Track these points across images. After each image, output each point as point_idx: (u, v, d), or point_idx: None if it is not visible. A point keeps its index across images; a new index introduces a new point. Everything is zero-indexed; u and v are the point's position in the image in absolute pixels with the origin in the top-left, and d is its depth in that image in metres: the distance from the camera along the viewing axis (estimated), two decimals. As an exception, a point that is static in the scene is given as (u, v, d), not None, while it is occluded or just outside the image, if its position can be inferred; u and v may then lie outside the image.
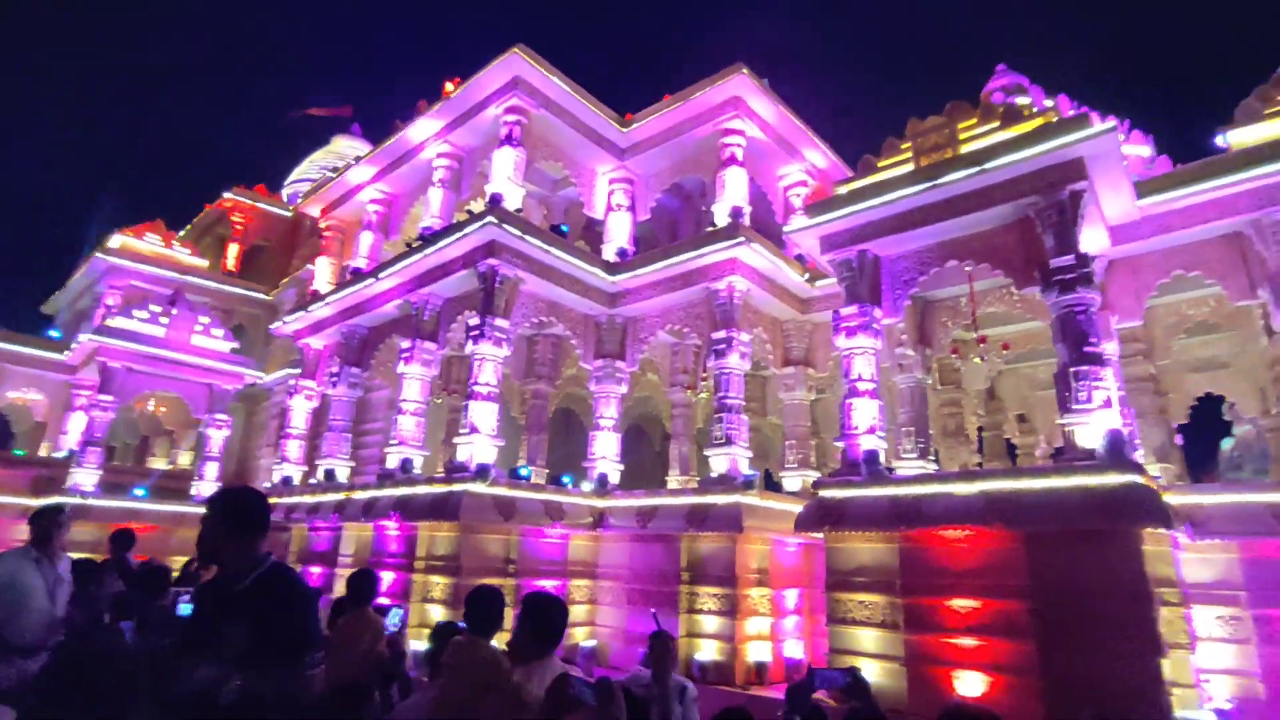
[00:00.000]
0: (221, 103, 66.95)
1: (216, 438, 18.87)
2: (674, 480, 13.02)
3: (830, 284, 11.69)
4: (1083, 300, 7.60)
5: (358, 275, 13.62)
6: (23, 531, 14.78)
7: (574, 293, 11.76)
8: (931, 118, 9.79)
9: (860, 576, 8.35)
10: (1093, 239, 8.67)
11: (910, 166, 9.56)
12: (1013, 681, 6.91)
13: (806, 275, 11.93)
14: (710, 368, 11.03)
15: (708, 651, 9.48)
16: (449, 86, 13.23)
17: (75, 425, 18.79)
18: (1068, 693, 6.52)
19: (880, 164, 10.02)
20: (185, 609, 9.31)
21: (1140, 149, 11.44)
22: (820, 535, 9.02)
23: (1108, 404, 7.23)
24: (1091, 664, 6.51)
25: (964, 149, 9.05)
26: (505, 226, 10.44)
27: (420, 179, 13.96)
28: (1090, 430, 7.17)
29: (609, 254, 12.50)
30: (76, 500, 15.79)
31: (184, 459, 21.33)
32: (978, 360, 10.92)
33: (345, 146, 31.34)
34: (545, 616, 3.08)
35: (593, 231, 14.87)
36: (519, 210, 11.14)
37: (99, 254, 20.14)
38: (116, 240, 20.81)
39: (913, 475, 8.87)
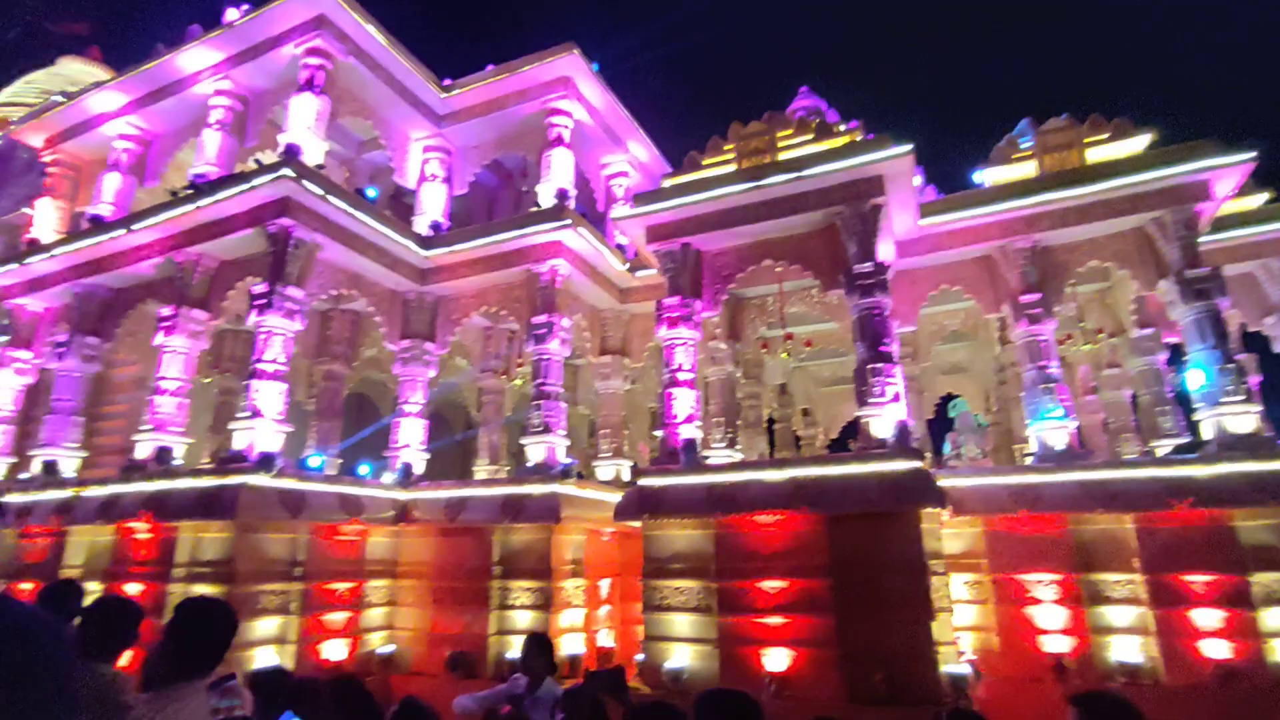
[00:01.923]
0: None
1: None
2: (482, 470, 12.45)
3: (650, 275, 11.87)
4: (879, 304, 8.43)
5: (100, 224, 11.18)
6: None
7: (381, 265, 10.67)
8: (753, 123, 10.29)
9: (677, 563, 8.54)
10: (884, 251, 9.67)
11: (734, 167, 9.98)
12: (814, 654, 7.47)
13: (627, 265, 11.99)
14: (529, 353, 10.64)
15: (519, 648, 9.11)
16: (232, 13, 11.30)
17: None
18: (861, 660, 7.20)
19: (705, 161, 10.33)
20: None
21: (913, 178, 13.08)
22: (638, 524, 9.09)
23: (897, 398, 8.10)
24: (879, 632, 7.24)
25: (782, 155, 9.63)
26: (304, 183, 9.14)
27: (191, 118, 11.80)
28: (883, 421, 7.98)
29: (421, 227, 11.55)
30: None
31: None
32: (785, 355, 11.76)
33: (78, 70, 25.71)
34: (193, 631, 2.40)
35: (401, 203, 13.69)
36: (320, 167, 9.83)
37: None
38: None
39: (728, 463, 9.27)
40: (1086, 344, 11.28)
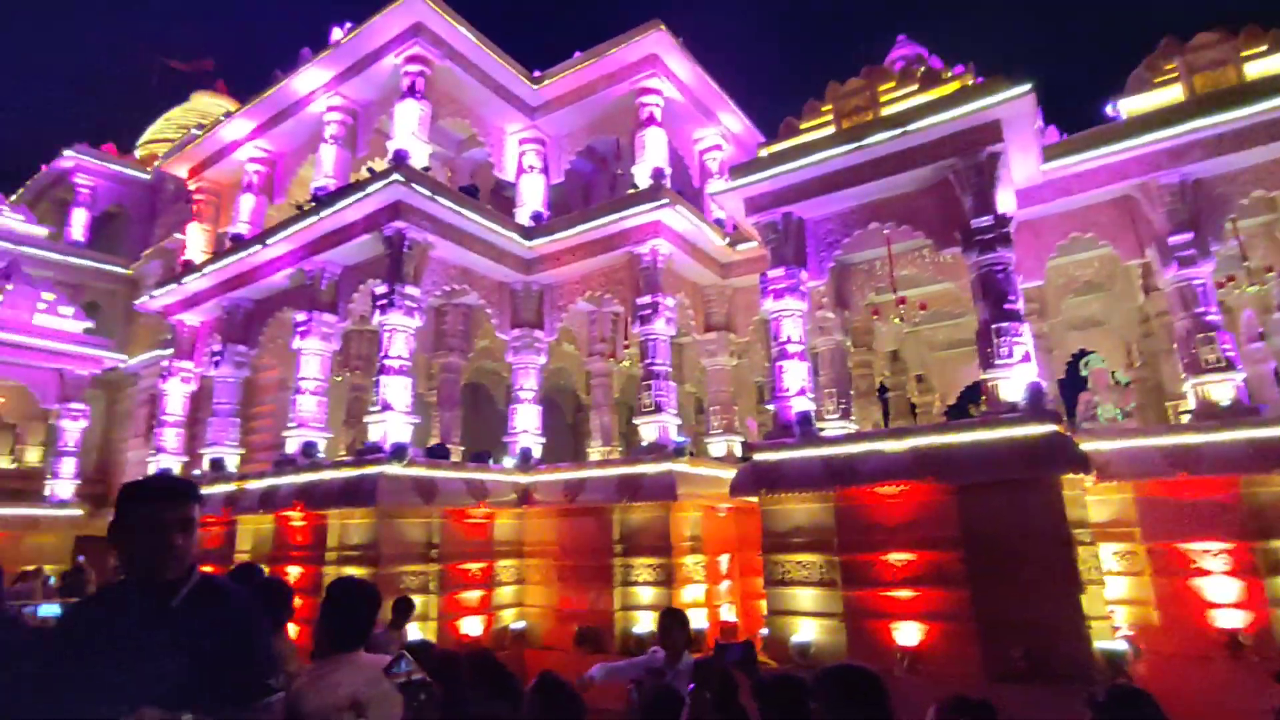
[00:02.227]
0: (52, 54, 58.78)
1: (72, 430, 16.74)
2: (596, 452, 12.72)
3: (751, 248, 11.67)
4: (1001, 259, 7.87)
5: (240, 242, 12.25)
6: None
7: (488, 258, 11.08)
8: (851, 81, 9.82)
9: (797, 537, 8.42)
10: (1003, 202, 9.00)
11: (832, 129, 9.57)
12: (948, 628, 7.18)
13: (727, 239, 11.82)
14: (635, 334, 10.74)
15: (645, 624, 9.33)
16: (337, 33, 11.99)
17: (-114, 422, 16.05)
18: (999, 635, 6.84)
19: (803, 126, 9.97)
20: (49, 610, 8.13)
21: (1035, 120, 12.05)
22: (755, 499, 9.02)
23: (1026, 358, 7.56)
24: (1019, 605, 6.84)
25: (885, 111, 9.13)
26: (413, 186, 9.60)
27: (308, 135, 12.66)
28: (1012, 384, 7.47)
29: (522, 218, 11.86)
30: (-103, 509, 13.55)
31: (32, 455, 18.84)
32: (897, 320, 11.25)
33: (208, 104, 28.30)
34: (341, 609, 2.72)
35: (501, 197, 14.10)
36: (426, 169, 10.29)
37: (-97, 220, 17.13)
38: (-73, 205, 17.75)
39: (845, 435, 9.01)
40: (1251, 285, 10.04)
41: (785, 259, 9.53)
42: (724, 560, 10.45)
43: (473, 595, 9.70)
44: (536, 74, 12.29)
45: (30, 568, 13.16)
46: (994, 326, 7.73)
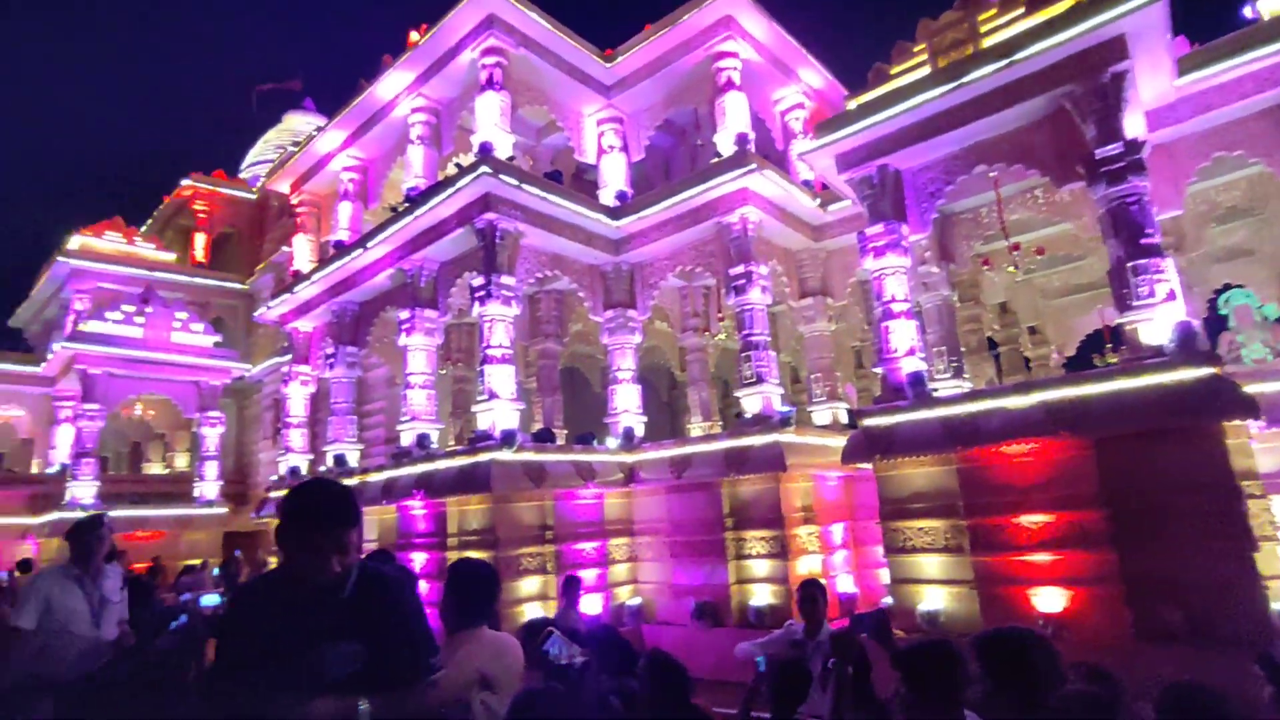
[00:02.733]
0: (162, 92, 63.83)
1: (212, 436, 18.25)
2: (696, 427, 12.63)
3: (844, 207, 11.18)
4: (1135, 189, 7.15)
5: (342, 248, 12.86)
6: (24, 552, 14.14)
7: (577, 242, 11.14)
8: (946, 14, 9.14)
9: (917, 503, 8.06)
10: (1132, 126, 8.17)
11: (927, 69, 8.96)
12: (1093, 592, 6.69)
13: (818, 200, 11.37)
14: (730, 306, 10.54)
15: (761, 596, 9.24)
16: (414, 35, 12.29)
17: (63, 438, 18.04)
18: (1153, 596, 6.30)
19: (893, 71, 9.39)
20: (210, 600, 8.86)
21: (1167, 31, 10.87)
22: (868, 465, 8.71)
23: (1171, 296, 6.86)
24: (1174, 565, 6.28)
25: (987, 43, 8.45)
26: (500, 176, 9.74)
27: (395, 139, 13.09)
28: (1155, 326, 6.81)
29: (607, 199, 11.83)
30: (78, 514, 15.16)
31: (180, 461, 20.70)
32: (1011, 269, 10.50)
33: (299, 123, 29.93)
34: (463, 588, 2.84)
35: (582, 180, 14.14)
36: (511, 159, 10.41)
37: (60, 258, 19.06)
38: (75, 242, 19.68)
39: (963, 394, 8.51)
40: None
41: (884, 214, 9.05)
42: (838, 529, 10.18)
43: (589, 574, 9.87)
44: (608, 52, 12.17)
45: (195, 561, 14.51)
46: (1130, 265, 7.05)
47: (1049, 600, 6.90)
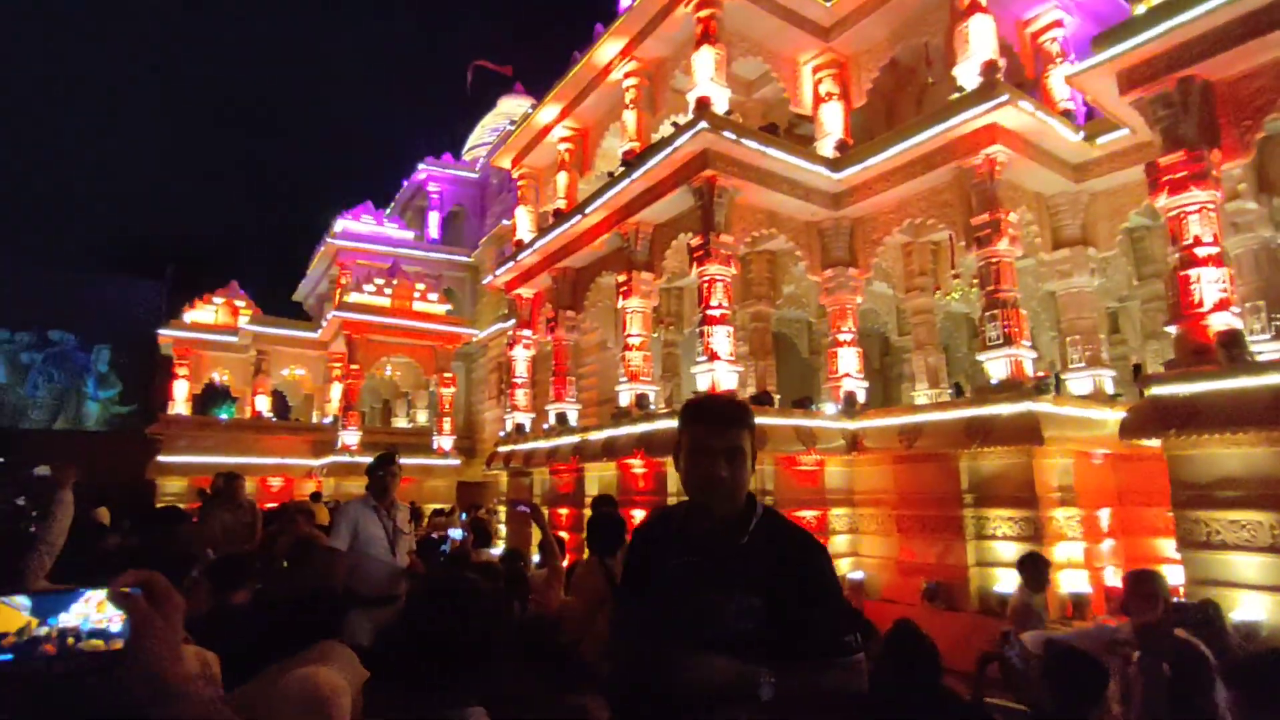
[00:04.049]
0: (397, 88, 72.01)
1: (447, 394, 20.32)
2: (921, 395, 11.61)
3: (1118, 139, 9.46)
4: None
5: (560, 216, 13.42)
6: (311, 487, 16.73)
7: (795, 197, 10.57)
8: (1283, -123, 7.20)
9: (1228, 489, 6.65)
10: None
11: (1254, -50, 7.14)
12: None
13: (1081, 134, 9.73)
14: (971, 259, 9.43)
15: (1008, 582, 8.26)
16: (624, 0, 12.31)
17: (334, 394, 21.14)
18: None
19: (1201, -41, 7.62)
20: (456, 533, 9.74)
21: None
22: (1154, 443, 7.35)
23: None
24: None
25: (1349, -97, 6.53)
26: (720, 132, 9.45)
27: (608, 106, 13.32)
28: None
29: (825, 150, 11.09)
30: (347, 458, 17.73)
31: (421, 417, 23.38)
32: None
33: (512, 106, 31.87)
34: (597, 533, 3.73)
35: (794, 135, 13.43)
36: (729, 113, 10.08)
37: (329, 239, 22.16)
38: (339, 224, 22.77)
39: (1304, 356, 6.84)
40: None
41: (1184, 139, 7.45)
42: (1104, 515, 8.81)
43: (808, 543, 9.52)
44: (824, -9, 11.29)
45: (445, 506, 16.40)
46: None
47: None
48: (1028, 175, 9.81)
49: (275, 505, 7.99)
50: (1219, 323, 7.00)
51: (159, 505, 15.26)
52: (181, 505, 12.99)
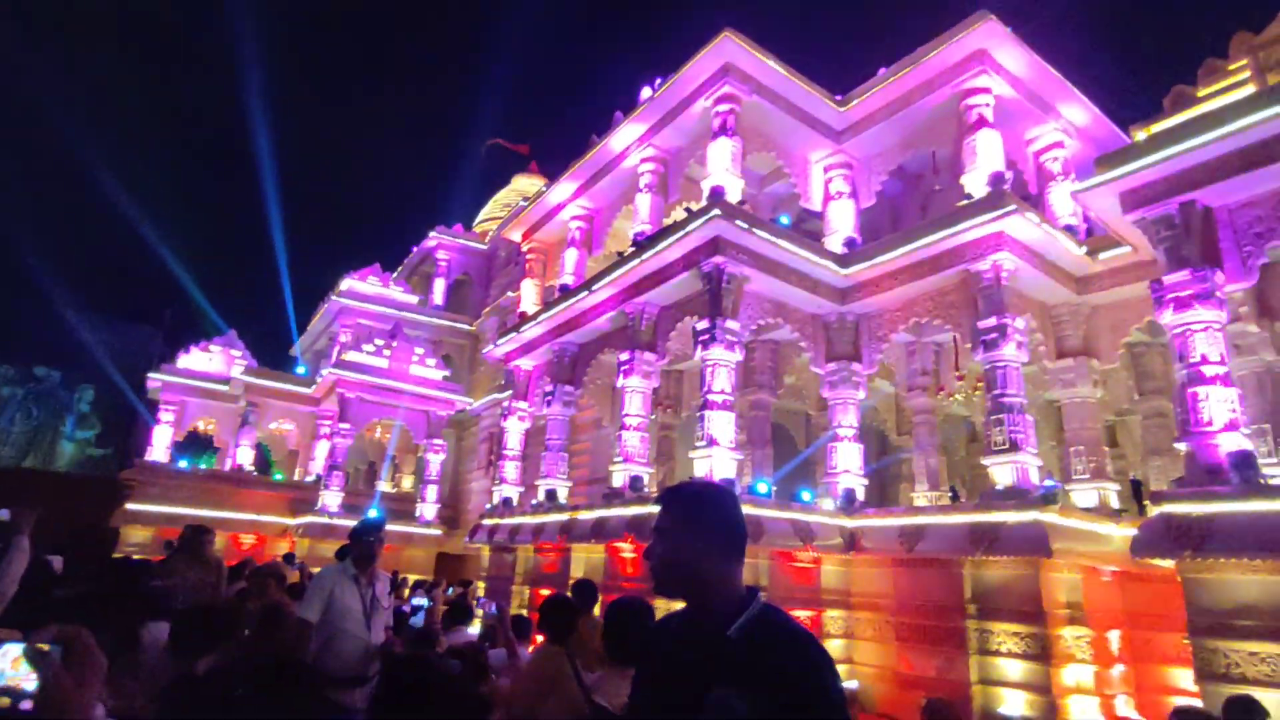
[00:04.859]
0: (412, 154, 74.65)
1: (435, 461, 19.87)
2: (921, 497, 11.39)
3: (1118, 255, 9.67)
4: None
5: (567, 291, 13.51)
6: (284, 548, 16.01)
7: (802, 289, 10.68)
8: (1275, 25, 7.68)
9: (1247, 619, 6.36)
10: None
11: (1251, 88, 7.57)
12: None
13: (1084, 248, 9.95)
14: (977, 362, 9.42)
15: (1014, 704, 7.80)
16: (646, 90, 12.85)
17: (320, 452, 20.66)
18: None
19: (1201, 93, 8.07)
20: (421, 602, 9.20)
21: None
22: (1168, 563, 7.10)
23: None
24: None
25: (1343, 52, 6.91)
26: (732, 220, 9.63)
27: (622, 189, 13.68)
28: None
29: (833, 245, 11.30)
30: (325, 519, 17.11)
31: (406, 482, 22.79)
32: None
33: (525, 184, 32.91)
34: (620, 626, 3.12)
35: (802, 229, 13.74)
36: (741, 203, 10.32)
37: (334, 296, 22.27)
38: (345, 284, 22.93)
39: (1321, 483, 6.70)
40: None
41: (1187, 259, 7.59)
42: (1114, 637, 8.42)
43: (801, 646, 9.04)
44: (839, 97, 11.82)
45: (425, 578, 15.69)
46: None
47: None
48: (1032, 284, 9.95)
49: (237, 563, 7.55)
50: (1229, 443, 6.90)
51: (116, 555, 14.55)
52: (141, 556, 12.38)
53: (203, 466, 21.87)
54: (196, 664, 2.87)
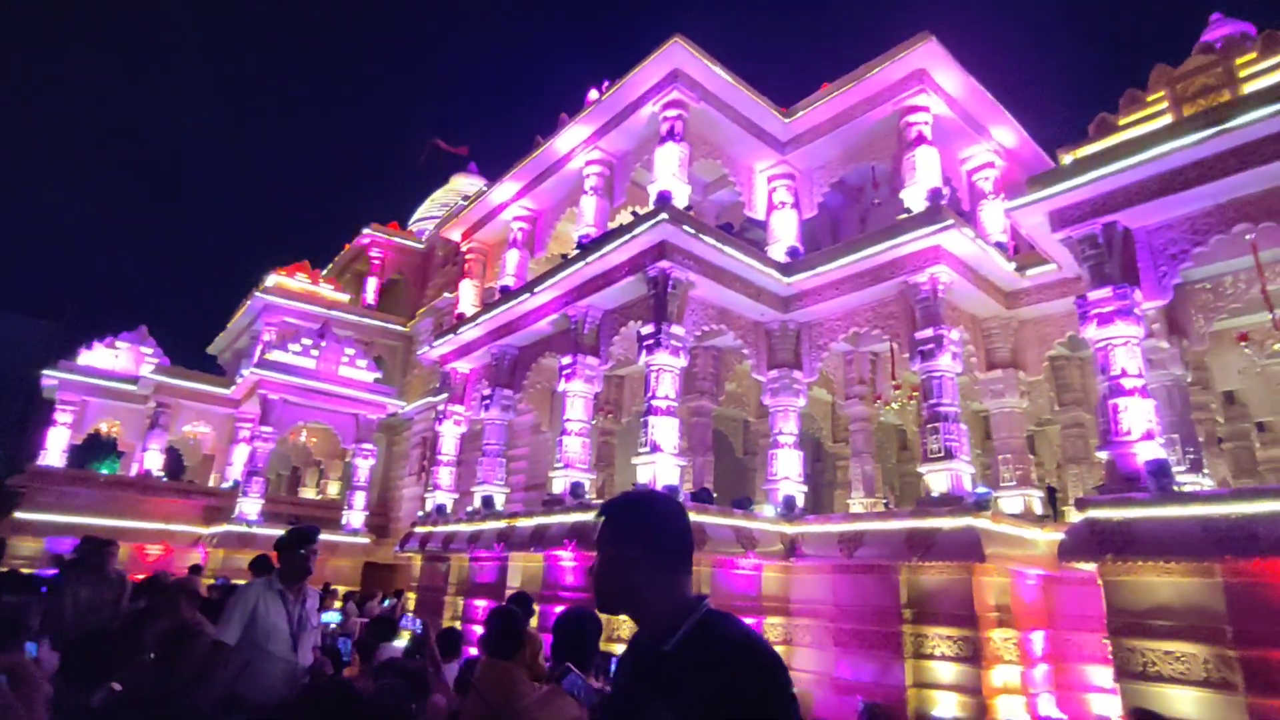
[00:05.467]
0: (347, 149, 72.16)
1: (364, 467, 19.08)
2: (857, 503, 11.63)
3: (1044, 272, 10.14)
4: None
5: (508, 293, 13.19)
6: (194, 559, 14.99)
7: (746, 296, 10.72)
8: (1194, 58, 8.23)
9: (1162, 619, 6.68)
10: None
11: (1169, 118, 8.00)
12: None
13: (1013, 264, 10.37)
14: (914, 372, 9.66)
15: (946, 706, 7.97)
16: (594, 93, 12.73)
17: (239, 457, 19.53)
18: None
19: (1122, 121, 8.48)
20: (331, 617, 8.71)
21: None
22: (1090, 566, 7.41)
23: None
24: None
25: (1249, 88, 7.42)
26: (679, 225, 9.58)
27: (566, 191, 13.47)
28: None
29: (777, 254, 11.41)
30: (243, 529, 16.14)
31: (332, 489, 21.81)
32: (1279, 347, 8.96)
33: (464, 184, 32.20)
34: (570, 638, 3.10)
35: (744, 238, 13.85)
36: (688, 208, 10.28)
37: (258, 293, 21.13)
38: (271, 280, 21.79)
39: (1231, 490, 7.13)
40: None
41: (1109, 277, 7.99)
42: (1038, 638, 8.73)
43: (742, 653, 9.01)
44: (784, 109, 11.98)
45: (354, 589, 14.95)
46: None
47: (1373, 771, 5.32)
48: (966, 298, 10.30)
49: (145, 578, 6.94)
50: (1147, 452, 7.26)
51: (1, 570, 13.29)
52: (29, 571, 11.32)
53: (104, 471, 20.33)
54: (90, 696, 2.53)
